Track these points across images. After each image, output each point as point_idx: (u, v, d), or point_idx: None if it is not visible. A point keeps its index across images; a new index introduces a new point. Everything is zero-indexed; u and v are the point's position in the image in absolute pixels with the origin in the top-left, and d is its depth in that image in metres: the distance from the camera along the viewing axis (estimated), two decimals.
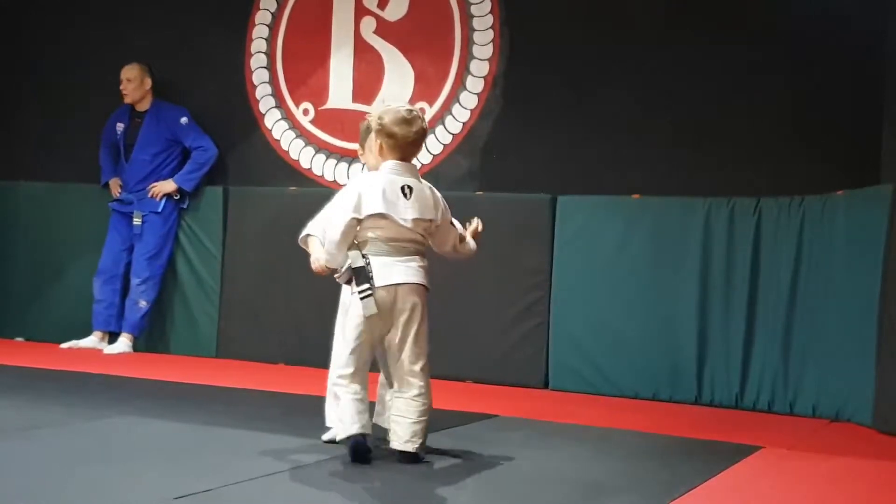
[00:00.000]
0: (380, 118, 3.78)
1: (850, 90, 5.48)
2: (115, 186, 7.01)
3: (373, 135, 3.87)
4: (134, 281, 6.84)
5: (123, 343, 6.76)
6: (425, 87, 6.48)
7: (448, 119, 6.40)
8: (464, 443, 4.11)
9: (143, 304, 6.81)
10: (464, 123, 6.38)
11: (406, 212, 3.74)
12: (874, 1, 5.33)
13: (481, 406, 5.08)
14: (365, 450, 3.64)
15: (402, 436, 3.70)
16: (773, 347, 5.41)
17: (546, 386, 5.90)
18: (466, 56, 6.38)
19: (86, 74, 7.32)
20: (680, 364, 5.61)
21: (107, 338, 6.89)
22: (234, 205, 6.80)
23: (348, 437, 3.64)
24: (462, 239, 3.99)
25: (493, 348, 6.02)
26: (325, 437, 3.93)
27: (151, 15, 7.18)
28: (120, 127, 7.02)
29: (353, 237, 3.72)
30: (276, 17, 6.88)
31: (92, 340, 6.85)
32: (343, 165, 6.66)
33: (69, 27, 7.44)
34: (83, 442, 3.88)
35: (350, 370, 3.71)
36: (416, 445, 3.70)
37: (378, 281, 3.68)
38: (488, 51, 6.34)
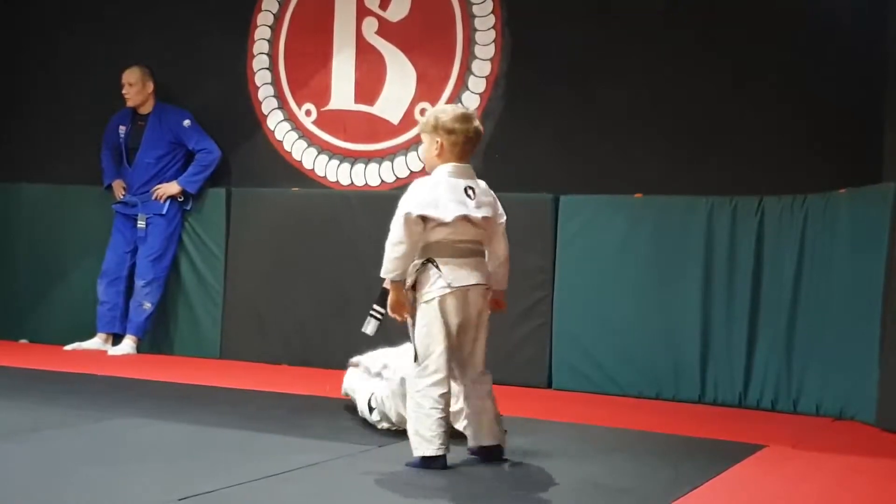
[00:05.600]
0: (437, 117, 3.78)
1: (853, 89, 5.47)
2: (119, 188, 7.02)
3: (428, 138, 3.82)
4: (138, 283, 6.85)
5: (127, 345, 6.77)
6: (427, 88, 6.48)
7: None
8: (466, 442, 4.10)
9: (147, 305, 6.82)
10: None
11: (476, 212, 3.72)
12: (876, 0, 5.33)
13: None
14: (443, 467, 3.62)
15: (487, 431, 3.77)
16: (776, 346, 5.41)
17: (549, 386, 5.90)
18: (468, 56, 6.38)
19: (88, 76, 7.33)
20: (683, 363, 5.61)
21: (111, 339, 6.89)
22: (236, 206, 6.80)
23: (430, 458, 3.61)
24: None
25: (495, 348, 5.89)
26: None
27: (153, 17, 7.18)
28: (122, 129, 7.02)
29: (418, 239, 3.66)
30: (278, 17, 6.88)
31: (96, 342, 6.86)
32: (346, 166, 6.66)
33: (71, 29, 7.44)
34: (87, 443, 3.89)
35: (441, 376, 3.67)
36: (501, 438, 3.80)
37: (454, 283, 3.66)
38: (490, 51, 6.34)
